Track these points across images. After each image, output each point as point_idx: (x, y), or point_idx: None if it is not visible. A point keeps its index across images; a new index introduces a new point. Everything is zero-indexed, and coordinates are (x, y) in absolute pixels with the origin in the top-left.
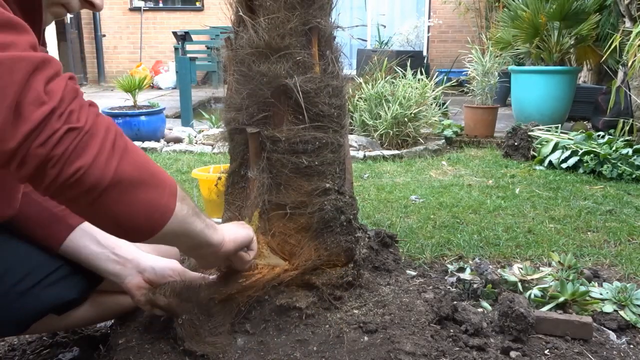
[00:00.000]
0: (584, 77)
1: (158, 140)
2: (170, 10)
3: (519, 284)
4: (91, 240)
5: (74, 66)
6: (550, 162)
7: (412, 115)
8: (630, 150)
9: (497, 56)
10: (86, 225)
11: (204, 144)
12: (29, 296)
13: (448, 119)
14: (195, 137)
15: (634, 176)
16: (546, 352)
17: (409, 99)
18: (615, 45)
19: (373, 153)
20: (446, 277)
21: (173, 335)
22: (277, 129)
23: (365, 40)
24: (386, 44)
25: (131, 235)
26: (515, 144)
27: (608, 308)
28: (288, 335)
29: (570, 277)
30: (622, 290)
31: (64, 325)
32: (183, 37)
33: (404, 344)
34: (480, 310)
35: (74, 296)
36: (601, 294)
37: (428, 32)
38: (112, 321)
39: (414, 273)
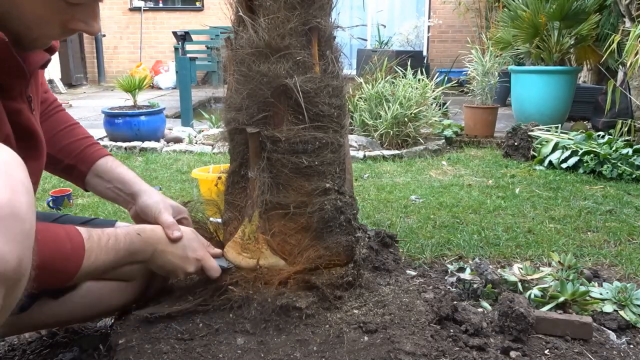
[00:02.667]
0: (584, 77)
1: (158, 140)
2: (170, 10)
3: (519, 284)
4: (102, 180)
5: (74, 66)
6: (550, 162)
7: (413, 115)
8: (630, 150)
9: (497, 56)
10: (98, 166)
11: (204, 144)
12: None
13: (448, 119)
14: (195, 137)
15: (634, 176)
16: (546, 352)
17: (409, 99)
18: (615, 46)
19: (373, 153)
20: (446, 277)
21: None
22: (277, 129)
23: (366, 40)
24: (386, 44)
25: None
26: (515, 144)
27: (608, 308)
28: (288, 335)
29: (570, 277)
30: (622, 290)
31: (64, 316)
32: (183, 37)
33: (404, 344)
34: (480, 310)
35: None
36: (601, 294)
37: (428, 32)
38: (112, 321)
39: (414, 273)
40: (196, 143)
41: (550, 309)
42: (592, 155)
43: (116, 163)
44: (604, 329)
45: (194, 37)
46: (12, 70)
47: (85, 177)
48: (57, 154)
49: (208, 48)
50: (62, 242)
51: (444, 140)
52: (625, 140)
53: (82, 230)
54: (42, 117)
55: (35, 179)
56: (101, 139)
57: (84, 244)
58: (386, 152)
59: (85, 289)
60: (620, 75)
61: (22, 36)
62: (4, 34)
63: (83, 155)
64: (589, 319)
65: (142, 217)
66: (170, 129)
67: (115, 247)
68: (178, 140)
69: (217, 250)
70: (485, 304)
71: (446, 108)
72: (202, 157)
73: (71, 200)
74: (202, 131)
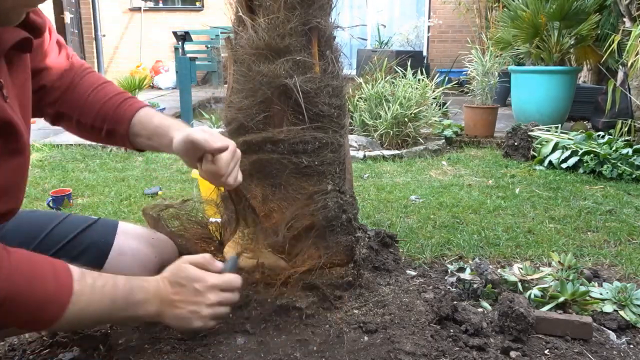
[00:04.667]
0: (584, 77)
1: None
2: (170, 10)
3: (519, 284)
4: (143, 138)
5: None
6: (550, 162)
7: (413, 115)
8: (630, 150)
9: (497, 56)
10: (134, 126)
11: None
12: None
13: (448, 119)
14: None
15: (634, 176)
16: (546, 352)
17: (409, 99)
18: (615, 46)
19: (373, 153)
20: (446, 277)
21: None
22: (277, 129)
23: (366, 40)
24: (386, 44)
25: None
26: (515, 144)
27: (608, 308)
28: (288, 335)
29: (570, 277)
30: (622, 290)
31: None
32: (183, 37)
33: (404, 344)
34: (480, 310)
35: None
36: (601, 294)
37: (428, 32)
38: None
39: (414, 273)
40: None
41: (550, 309)
42: (592, 155)
43: (149, 115)
44: (604, 329)
45: (194, 37)
46: None
47: (128, 138)
48: (93, 121)
49: (208, 48)
50: (44, 280)
51: (444, 140)
52: (625, 140)
53: (75, 269)
54: (71, 86)
55: (19, 176)
56: None
57: (72, 285)
58: (386, 152)
59: None
60: (620, 75)
61: None
62: None
63: (117, 117)
64: (589, 319)
65: (187, 150)
66: None
67: (112, 294)
68: None
69: (217, 265)
70: (485, 304)
71: (446, 108)
72: None
73: (71, 200)
74: None
